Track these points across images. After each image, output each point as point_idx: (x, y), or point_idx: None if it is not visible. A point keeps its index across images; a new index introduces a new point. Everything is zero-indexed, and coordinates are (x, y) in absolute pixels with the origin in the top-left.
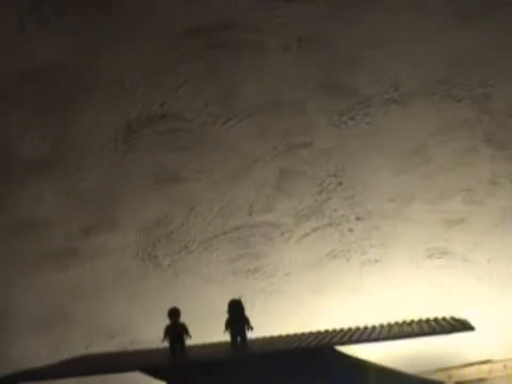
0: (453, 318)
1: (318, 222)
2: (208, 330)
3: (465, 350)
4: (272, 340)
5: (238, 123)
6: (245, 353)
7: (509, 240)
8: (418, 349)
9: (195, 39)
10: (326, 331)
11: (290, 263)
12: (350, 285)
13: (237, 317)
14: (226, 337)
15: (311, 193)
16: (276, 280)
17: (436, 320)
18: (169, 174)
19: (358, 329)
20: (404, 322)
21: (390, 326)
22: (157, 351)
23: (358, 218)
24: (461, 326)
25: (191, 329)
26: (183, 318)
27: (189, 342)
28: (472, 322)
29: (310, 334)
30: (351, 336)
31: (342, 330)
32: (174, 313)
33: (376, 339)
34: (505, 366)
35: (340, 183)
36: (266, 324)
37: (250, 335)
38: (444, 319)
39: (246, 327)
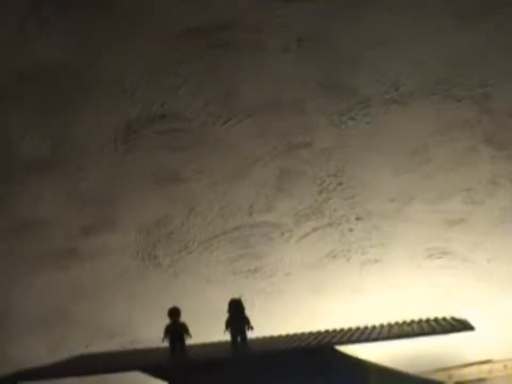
0: (453, 318)
1: (318, 222)
2: (208, 330)
3: (465, 350)
4: (272, 339)
5: (238, 123)
6: (245, 353)
7: (509, 240)
8: (418, 349)
9: (195, 39)
10: (326, 331)
11: (290, 263)
12: (350, 285)
13: (237, 317)
14: (226, 337)
15: (311, 193)
16: (276, 280)
17: (436, 320)
18: (169, 174)
19: (358, 329)
20: (404, 322)
21: (390, 326)
22: (157, 351)
23: (358, 218)
24: (461, 326)
25: (191, 329)
26: (183, 318)
27: (188, 341)
28: (472, 322)
29: (310, 333)
30: (351, 336)
31: (342, 330)
32: (174, 313)
33: (376, 339)
34: (505, 366)
35: (340, 183)
36: (266, 323)
37: (250, 334)
38: (444, 319)
39: (246, 326)
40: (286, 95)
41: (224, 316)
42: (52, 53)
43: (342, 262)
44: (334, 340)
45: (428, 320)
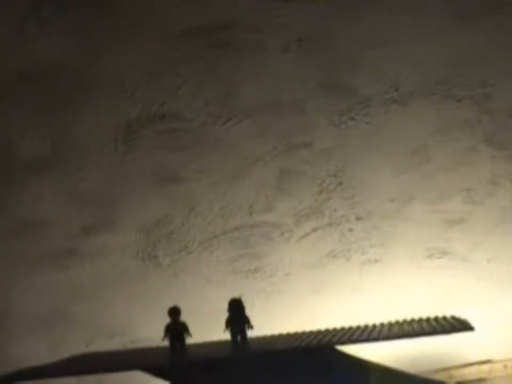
0: (453, 317)
1: (318, 222)
2: (208, 331)
3: (465, 350)
4: (272, 338)
5: (238, 123)
6: (245, 352)
7: (509, 240)
8: (419, 349)
9: (195, 39)
10: (327, 330)
11: (290, 263)
12: (350, 285)
13: (237, 316)
14: (226, 336)
15: (311, 193)
16: (276, 280)
17: (436, 319)
18: (169, 174)
19: (358, 328)
20: (404, 321)
21: (390, 324)
22: (157, 350)
23: (358, 218)
24: (461, 326)
25: (191, 330)
26: (183, 318)
27: (188, 341)
28: (472, 322)
29: (311, 333)
30: (352, 335)
31: (342, 329)
32: (174, 312)
33: (376, 339)
34: (505, 366)
35: (340, 183)
36: (266, 323)
37: (250, 334)
38: (444, 318)
39: (246, 326)
40: (286, 95)
41: (224, 315)
42: (52, 53)
43: (342, 262)
44: (334, 340)
45: (428, 319)
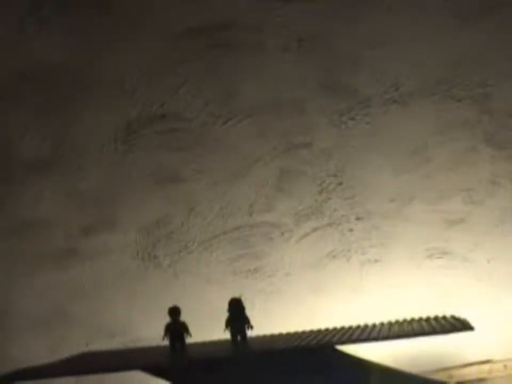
0: (453, 317)
1: (318, 222)
2: (208, 331)
3: (465, 350)
4: (272, 338)
5: (238, 123)
6: (245, 351)
7: (509, 240)
8: (419, 348)
9: (195, 39)
10: (327, 329)
11: (290, 263)
12: (350, 285)
13: (237, 316)
14: (226, 336)
15: (311, 193)
16: (276, 280)
17: (436, 319)
18: (169, 174)
19: (358, 327)
20: (404, 320)
21: (390, 324)
22: (157, 349)
23: (358, 218)
24: (460, 325)
25: (191, 329)
26: (183, 318)
27: (188, 341)
28: (472, 322)
29: (311, 332)
30: (351, 335)
31: (342, 328)
32: (174, 312)
33: (376, 338)
34: (505, 366)
35: (340, 183)
36: (266, 323)
37: (250, 334)
38: (444, 318)
39: (246, 326)
40: (286, 95)
41: (224, 315)
42: (52, 53)
43: (342, 262)
44: (334, 339)
45: (427, 319)
